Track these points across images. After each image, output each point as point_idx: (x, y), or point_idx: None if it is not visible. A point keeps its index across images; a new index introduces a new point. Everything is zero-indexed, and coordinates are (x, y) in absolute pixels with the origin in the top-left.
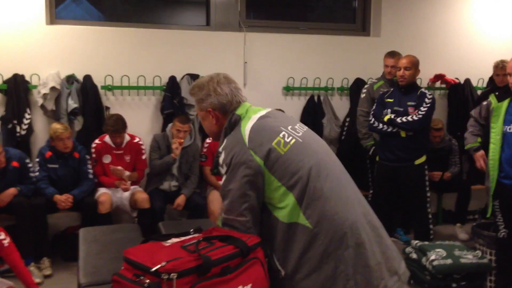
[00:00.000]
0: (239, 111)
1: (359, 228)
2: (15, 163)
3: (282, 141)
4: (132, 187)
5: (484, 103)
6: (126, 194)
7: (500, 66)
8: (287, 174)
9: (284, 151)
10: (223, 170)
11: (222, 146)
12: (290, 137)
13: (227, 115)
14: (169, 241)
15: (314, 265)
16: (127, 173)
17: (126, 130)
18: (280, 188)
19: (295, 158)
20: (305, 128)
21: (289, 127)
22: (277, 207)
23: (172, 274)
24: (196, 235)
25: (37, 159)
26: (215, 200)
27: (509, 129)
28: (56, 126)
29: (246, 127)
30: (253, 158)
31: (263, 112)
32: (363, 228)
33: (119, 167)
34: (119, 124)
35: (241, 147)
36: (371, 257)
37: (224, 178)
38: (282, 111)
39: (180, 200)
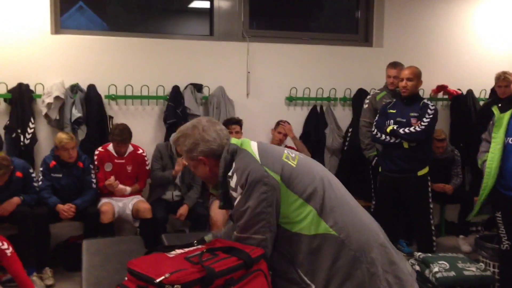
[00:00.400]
0: (232, 141)
1: (376, 229)
2: (18, 173)
3: (290, 155)
4: (135, 196)
5: (491, 122)
6: (129, 204)
7: (501, 78)
8: (302, 186)
9: (294, 164)
10: (236, 192)
11: (232, 170)
12: (293, 153)
13: (219, 159)
14: (172, 252)
15: (346, 272)
16: (120, 186)
17: (131, 140)
18: (297, 200)
19: (305, 170)
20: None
21: (286, 150)
22: (296, 221)
23: (175, 286)
24: (199, 246)
25: (41, 168)
26: (217, 210)
27: (511, 140)
28: (62, 135)
29: (253, 148)
30: (269, 174)
31: (255, 142)
32: (378, 228)
33: (111, 179)
34: (126, 134)
35: (255, 165)
36: (394, 254)
37: (238, 199)
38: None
39: (183, 210)
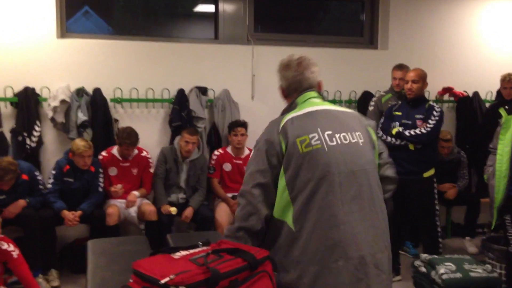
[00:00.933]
0: (298, 99)
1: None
2: (24, 176)
3: (307, 141)
4: (140, 199)
5: (498, 128)
6: (134, 206)
7: (507, 79)
8: (293, 172)
9: (303, 151)
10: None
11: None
12: (317, 141)
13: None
14: (178, 253)
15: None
16: (129, 197)
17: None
18: (282, 179)
19: (308, 162)
20: (354, 139)
21: (327, 132)
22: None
23: (180, 287)
24: (204, 248)
25: (53, 172)
26: (222, 213)
27: None
28: (80, 143)
29: (289, 117)
30: (280, 141)
31: (313, 109)
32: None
33: (118, 186)
34: (134, 137)
35: (273, 131)
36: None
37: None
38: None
39: (188, 212)
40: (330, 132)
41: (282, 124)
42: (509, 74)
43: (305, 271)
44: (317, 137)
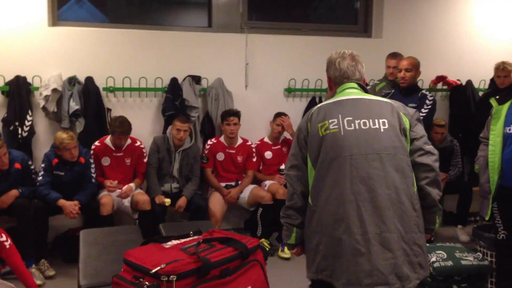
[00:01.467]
0: (338, 89)
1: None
2: (17, 165)
3: (326, 125)
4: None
5: (489, 117)
6: (128, 197)
7: (501, 68)
8: (314, 154)
9: (322, 134)
10: None
11: None
12: (335, 126)
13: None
14: (169, 243)
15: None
16: (124, 188)
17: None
18: (308, 160)
19: (325, 144)
20: (374, 125)
21: (348, 118)
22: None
23: (171, 276)
24: (196, 237)
25: (42, 165)
26: (216, 202)
27: (509, 130)
28: (62, 135)
29: (319, 105)
30: (307, 127)
31: (344, 98)
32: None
33: (114, 183)
34: (126, 126)
35: (305, 119)
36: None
37: None
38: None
39: (181, 202)
40: (350, 118)
41: (311, 112)
42: (503, 63)
43: (320, 240)
44: (335, 122)
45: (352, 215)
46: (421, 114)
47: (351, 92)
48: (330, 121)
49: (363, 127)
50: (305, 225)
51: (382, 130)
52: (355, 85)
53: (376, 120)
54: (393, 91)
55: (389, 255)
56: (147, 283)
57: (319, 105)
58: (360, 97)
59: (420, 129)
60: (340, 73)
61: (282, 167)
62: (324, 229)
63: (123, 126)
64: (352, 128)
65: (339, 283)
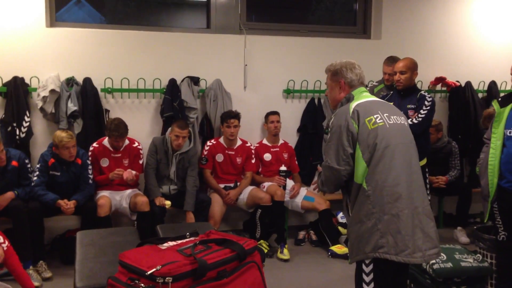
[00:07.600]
0: (354, 92)
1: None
2: (14, 163)
3: (373, 120)
4: (132, 190)
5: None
6: (126, 197)
7: None
8: (364, 145)
9: (371, 127)
10: (329, 130)
11: (335, 113)
12: (381, 120)
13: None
14: (165, 244)
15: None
16: (126, 174)
17: (128, 133)
18: (358, 151)
19: (375, 136)
20: (401, 121)
21: (385, 114)
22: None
23: (167, 278)
24: (192, 238)
25: (38, 165)
26: (215, 203)
27: (509, 132)
28: (62, 134)
29: (354, 104)
30: (353, 123)
31: (370, 99)
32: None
33: (118, 170)
34: (122, 128)
35: (344, 116)
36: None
37: (328, 136)
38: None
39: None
40: (387, 114)
41: (351, 110)
42: None
43: (379, 219)
44: (380, 117)
45: (405, 194)
46: (420, 115)
47: (368, 95)
48: (375, 116)
49: (396, 121)
50: (352, 213)
51: (406, 125)
52: (365, 89)
53: (400, 117)
54: (391, 92)
55: (432, 224)
56: (142, 285)
57: (354, 104)
58: (377, 99)
59: None
60: (357, 78)
61: (282, 168)
62: (383, 208)
63: (119, 129)
64: (392, 122)
65: (403, 254)
